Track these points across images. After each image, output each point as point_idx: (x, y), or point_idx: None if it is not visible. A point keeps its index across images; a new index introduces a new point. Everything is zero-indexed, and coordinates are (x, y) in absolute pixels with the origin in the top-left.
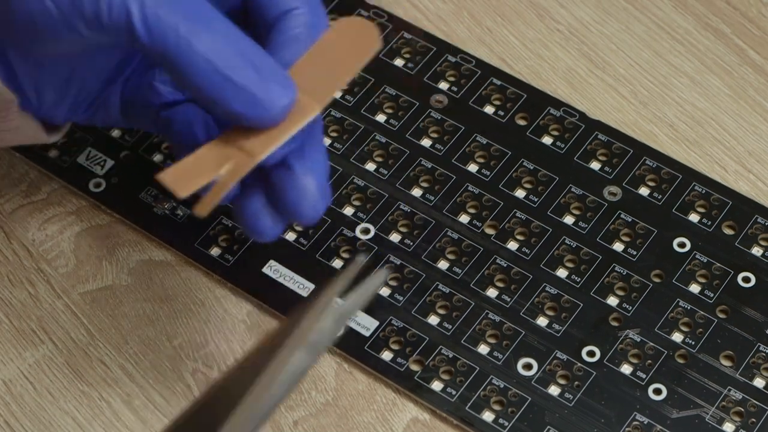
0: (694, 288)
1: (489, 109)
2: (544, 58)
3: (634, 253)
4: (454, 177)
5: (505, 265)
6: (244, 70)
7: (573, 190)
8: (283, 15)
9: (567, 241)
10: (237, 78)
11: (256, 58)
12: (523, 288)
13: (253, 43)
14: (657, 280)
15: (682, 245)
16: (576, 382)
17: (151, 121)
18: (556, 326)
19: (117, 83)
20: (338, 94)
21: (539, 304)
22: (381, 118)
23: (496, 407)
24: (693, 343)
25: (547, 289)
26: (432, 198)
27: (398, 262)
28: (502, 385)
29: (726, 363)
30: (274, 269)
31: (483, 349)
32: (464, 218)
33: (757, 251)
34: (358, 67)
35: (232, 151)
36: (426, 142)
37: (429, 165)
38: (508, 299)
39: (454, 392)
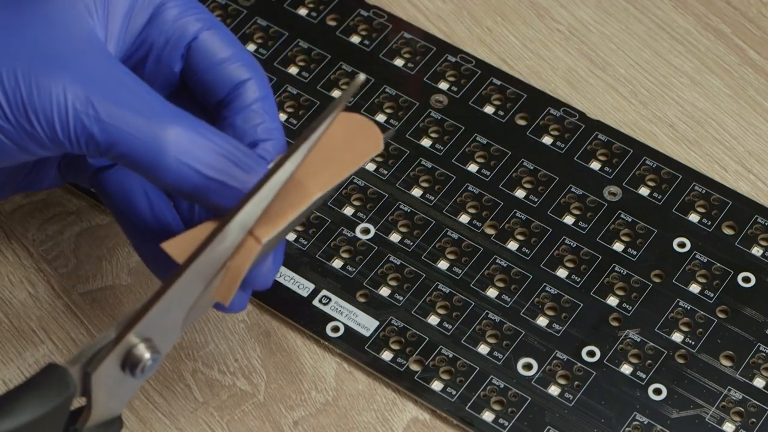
0: (694, 288)
1: (489, 109)
2: (544, 58)
3: (634, 253)
4: (454, 177)
5: (505, 265)
6: (225, 166)
7: (573, 190)
8: (235, 89)
9: (567, 241)
10: (218, 176)
11: (232, 151)
12: (523, 288)
13: (221, 133)
14: (657, 280)
15: (682, 245)
16: (576, 382)
17: (89, 182)
18: (556, 326)
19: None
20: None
21: (539, 304)
22: (381, 118)
23: (496, 407)
24: (693, 343)
25: (547, 289)
26: (432, 198)
27: (398, 262)
28: (502, 385)
29: (726, 363)
30: None
31: (483, 349)
32: (464, 218)
33: (757, 251)
34: (361, 164)
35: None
36: (426, 142)
37: (429, 165)
38: (508, 299)
39: (454, 392)
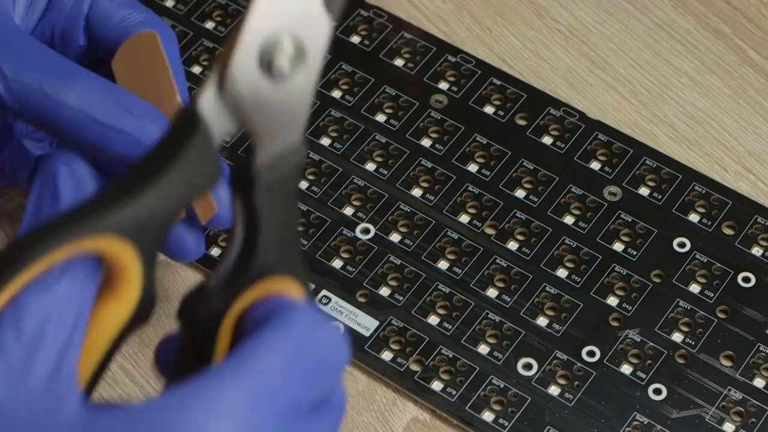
0: (694, 288)
1: (489, 109)
2: (544, 58)
3: (634, 253)
4: (454, 177)
5: (505, 265)
6: (118, 114)
7: (573, 190)
8: (121, 24)
9: (567, 241)
10: (113, 123)
11: (124, 100)
12: (523, 288)
13: (116, 85)
14: (657, 280)
15: (682, 245)
16: (576, 382)
17: (28, 180)
18: (556, 326)
19: None
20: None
21: (539, 304)
22: (381, 118)
23: (496, 407)
24: (693, 343)
25: (547, 289)
26: (432, 198)
27: (398, 262)
28: (502, 385)
29: (726, 363)
30: None
31: (483, 349)
32: (464, 218)
33: (757, 251)
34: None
35: None
36: (426, 142)
37: (429, 165)
38: (508, 299)
39: (454, 392)
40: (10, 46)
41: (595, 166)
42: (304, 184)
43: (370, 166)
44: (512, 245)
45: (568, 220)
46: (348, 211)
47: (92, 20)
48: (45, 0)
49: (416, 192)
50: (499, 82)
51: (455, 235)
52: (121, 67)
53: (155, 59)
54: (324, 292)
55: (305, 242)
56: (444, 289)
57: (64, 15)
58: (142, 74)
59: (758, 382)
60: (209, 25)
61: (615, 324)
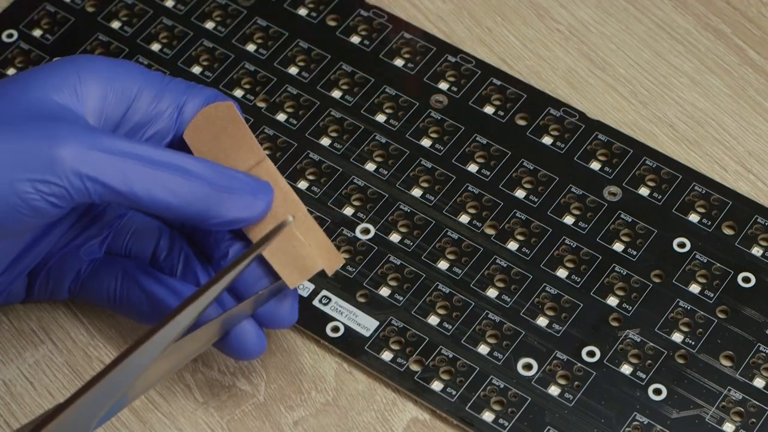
0: (694, 288)
1: (489, 109)
2: (544, 58)
3: (634, 253)
4: (454, 177)
5: (505, 265)
6: (234, 179)
7: (573, 190)
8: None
9: (567, 241)
10: (235, 186)
11: (230, 171)
12: (523, 288)
13: (215, 163)
14: (657, 280)
15: (682, 245)
16: (576, 382)
17: (67, 292)
18: (556, 326)
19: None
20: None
21: (539, 304)
22: (381, 118)
23: (496, 407)
24: (693, 343)
25: (547, 289)
26: (432, 198)
27: (398, 262)
28: (502, 385)
29: (726, 363)
30: None
31: (483, 349)
32: (464, 218)
33: (757, 251)
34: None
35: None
36: (426, 142)
37: (429, 165)
38: (508, 299)
39: (454, 392)
40: (114, 145)
41: (595, 166)
42: (304, 184)
43: (370, 166)
44: (512, 245)
45: (568, 220)
46: (348, 211)
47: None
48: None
49: (416, 192)
50: (499, 82)
51: (455, 235)
52: (197, 138)
53: (234, 127)
54: (324, 292)
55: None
56: (444, 289)
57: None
58: (222, 143)
59: (758, 382)
60: (209, 25)
61: (615, 324)
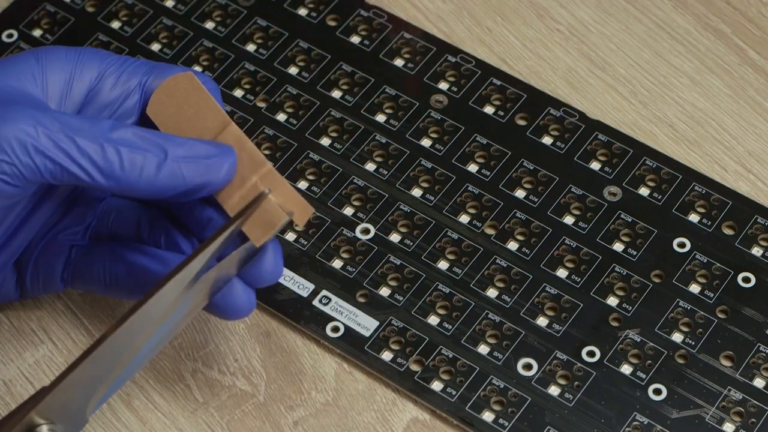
0: (694, 288)
1: (489, 109)
2: (544, 58)
3: (634, 253)
4: (454, 177)
5: (505, 265)
6: (192, 147)
7: (573, 190)
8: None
9: (567, 241)
10: (192, 154)
11: (188, 140)
12: (523, 288)
13: (173, 135)
14: (657, 280)
15: (682, 245)
16: (576, 382)
17: (59, 282)
18: (556, 326)
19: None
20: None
21: (539, 304)
22: (381, 118)
23: (496, 407)
24: (693, 343)
25: (547, 289)
26: (432, 198)
27: (398, 262)
28: (502, 385)
29: (726, 363)
30: None
31: (483, 349)
32: (464, 218)
33: (757, 251)
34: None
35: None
36: (426, 142)
37: (429, 165)
38: (508, 299)
39: (454, 392)
40: (71, 122)
41: (595, 166)
42: (304, 184)
43: (370, 166)
44: (512, 245)
45: (568, 220)
46: (348, 211)
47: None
48: (85, 90)
49: (416, 192)
50: (499, 82)
51: (455, 235)
52: (160, 112)
53: (196, 96)
54: (324, 292)
55: (305, 242)
56: (444, 289)
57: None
58: (185, 113)
59: (758, 382)
60: (209, 25)
61: (615, 324)
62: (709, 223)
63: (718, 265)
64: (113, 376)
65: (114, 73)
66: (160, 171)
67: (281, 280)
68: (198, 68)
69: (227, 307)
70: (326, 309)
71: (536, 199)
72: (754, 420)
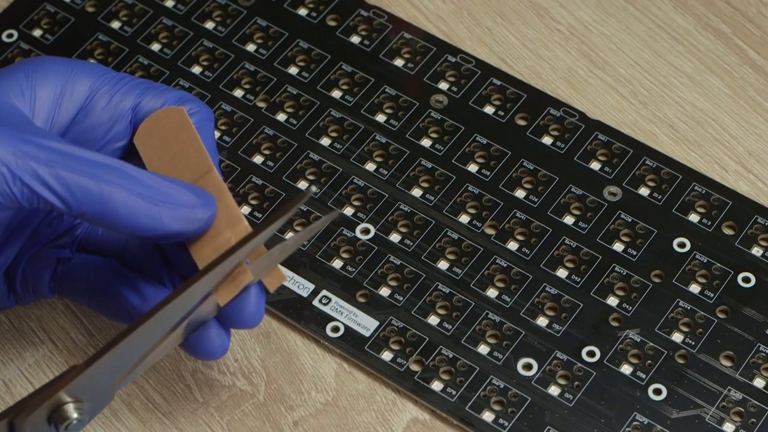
0: (694, 288)
1: (489, 109)
2: (544, 58)
3: (634, 253)
4: (454, 177)
5: (505, 265)
6: (177, 193)
7: (573, 190)
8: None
9: (567, 241)
10: (173, 200)
11: (172, 183)
12: (523, 288)
13: (158, 175)
14: (657, 280)
15: (682, 245)
16: (576, 382)
17: (48, 289)
18: (556, 326)
19: None
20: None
21: (539, 305)
22: (381, 118)
23: (496, 407)
24: (693, 343)
25: (547, 289)
26: (432, 198)
27: (398, 262)
28: (502, 385)
29: (726, 363)
30: None
31: (483, 349)
32: (464, 218)
33: (757, 251)
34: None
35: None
36: (426, 142)
37: (429, 165)
38: (508, 299)
39: (454, 392)
40: (53, 150)
41: (595, 166)
42: (304, 184)
43: (370, 166)
44: (512, 245)
45: (568, 220)
46: (348, 211)
47: (139, 113)
48: (76, 107)
49: (416, 192)
50: (499, 82)
51: (455, 235)
52: (146, 143)
53: (184, 134)
54: (324, 292)
55: (305, 243)
56: (444, 289)
57: (106, 116)
58: (170, 150)
59: (758, 382)
60: (209, 25)
61: (615, 324)
62: (709, 223)
63: (718, 265)
64: (141, 359)
65: (108, 92)
66: (138, 211)
67: None
68: (198, 68)
69: (199, 348)
70: (326, 309)
71: (536, 199)
72: (754, 420)
